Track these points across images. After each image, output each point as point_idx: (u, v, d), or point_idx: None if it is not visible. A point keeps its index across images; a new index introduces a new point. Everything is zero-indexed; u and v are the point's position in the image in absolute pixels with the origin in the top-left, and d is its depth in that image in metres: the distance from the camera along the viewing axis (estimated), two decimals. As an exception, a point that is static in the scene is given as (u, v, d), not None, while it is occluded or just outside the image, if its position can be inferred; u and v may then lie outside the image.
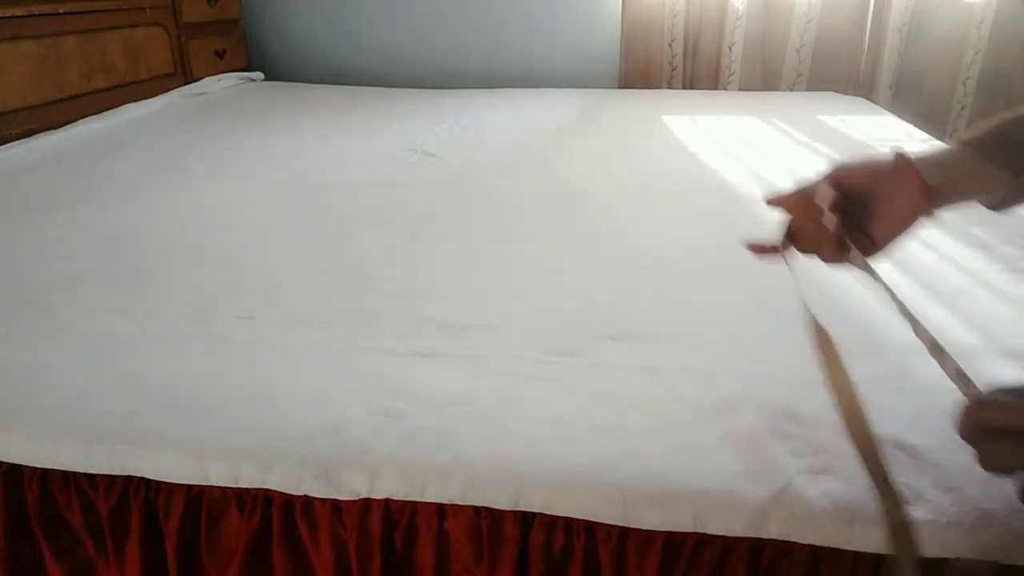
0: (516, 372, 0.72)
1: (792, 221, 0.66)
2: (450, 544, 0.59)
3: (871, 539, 0.53)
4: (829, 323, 0.81)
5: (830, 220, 0.61)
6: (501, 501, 0.57)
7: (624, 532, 0.55)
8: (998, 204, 0.66)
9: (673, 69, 2.31)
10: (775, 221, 0.83)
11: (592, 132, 1.75)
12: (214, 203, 1.24)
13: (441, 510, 0.58)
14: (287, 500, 0.60)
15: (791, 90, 2.27)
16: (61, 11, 1.69)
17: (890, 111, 1.95)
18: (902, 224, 0.63)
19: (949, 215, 1.16)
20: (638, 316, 0.83)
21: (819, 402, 0.67)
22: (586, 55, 2.42)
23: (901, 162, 0.63)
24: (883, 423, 0.59)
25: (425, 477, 0.58)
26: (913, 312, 0.59)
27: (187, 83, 2.17)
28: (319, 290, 0.91)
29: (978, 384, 0.52)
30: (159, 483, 0.62)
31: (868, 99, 2.13)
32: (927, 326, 0.58)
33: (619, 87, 2.38)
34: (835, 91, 2.20)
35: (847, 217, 0.62)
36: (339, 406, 0.67)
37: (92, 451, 0.63)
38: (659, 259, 0.93)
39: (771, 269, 0.95)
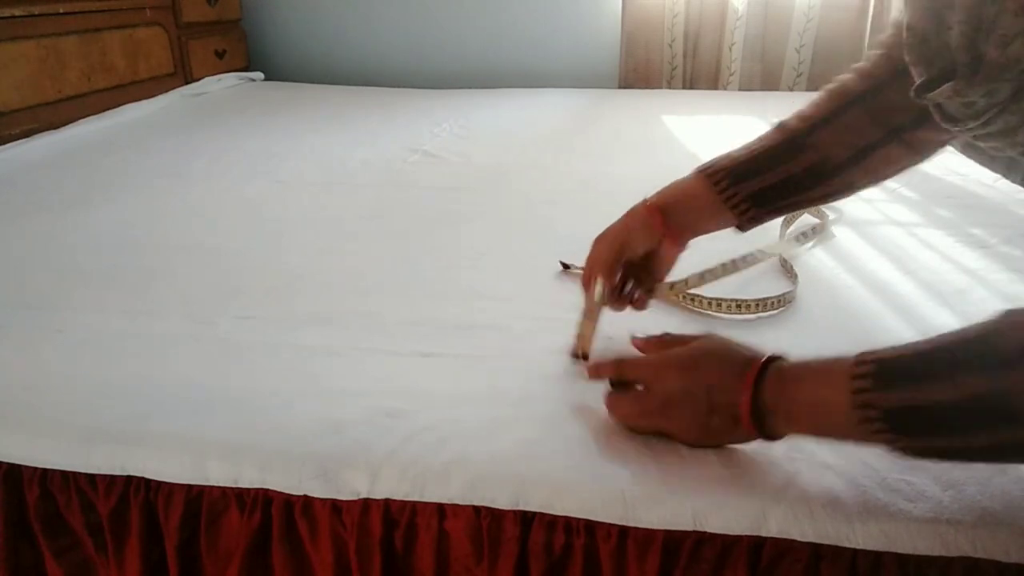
0: (516, 371, 0.72)
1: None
2: (450, 544, 0.59)
3: (871, 535, 0.53)
4: (830, 322, 0.81)
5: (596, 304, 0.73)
6: (501, 500, 0.57)
7: (624, 531, 0.55)
8: (738, 229, 0.74)
9: (673, 69, 2.31)
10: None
11: (592, 132, 1.75)
12: (214, 203, 1.24)
13: (441, 510, 0.58)
14: (287, 500, 0.60)
15: (791, 90, 2.27)
16: (61, 11, 1.70)
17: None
18: (669, 263, 0.76)
19: (950, 215, 1.17)
20: (638, 315, 0.83)
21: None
22: (586, 55, 2.42)
23: (651, 219, 0.73)
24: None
25: (425, 477, 0.58)
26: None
27: (187, 83, 2.17)
28: (319, 290, 0.91)
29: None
30: (159, 483, 0.62)
31: (868, 99, 2.13)
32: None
33: (619, 87, 2.38)
34: (835, 91, 2.19)
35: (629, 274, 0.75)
36: (339, 406, 0.67)
37: (92, 451, 0.63)
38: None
39: (771, 266, 0.95)
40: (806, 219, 1.09)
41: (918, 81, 0.51)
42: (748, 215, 0.71)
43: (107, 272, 0.97)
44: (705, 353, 0.60)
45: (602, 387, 0.69)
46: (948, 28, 0.47)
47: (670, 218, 0.72)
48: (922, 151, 0.69)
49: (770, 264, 0.96)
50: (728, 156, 0.73)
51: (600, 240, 0.75)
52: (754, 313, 0.82)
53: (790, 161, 0.70)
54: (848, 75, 0.72)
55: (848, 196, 0.73)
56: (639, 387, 0.62)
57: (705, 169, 0.73)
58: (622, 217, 0.75)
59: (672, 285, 0.84)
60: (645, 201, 0.74)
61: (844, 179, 0.70)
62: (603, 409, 0.66)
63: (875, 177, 0.71)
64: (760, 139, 0.72)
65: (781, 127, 0.72)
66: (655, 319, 0.80)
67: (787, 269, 0.93)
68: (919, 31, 0.50)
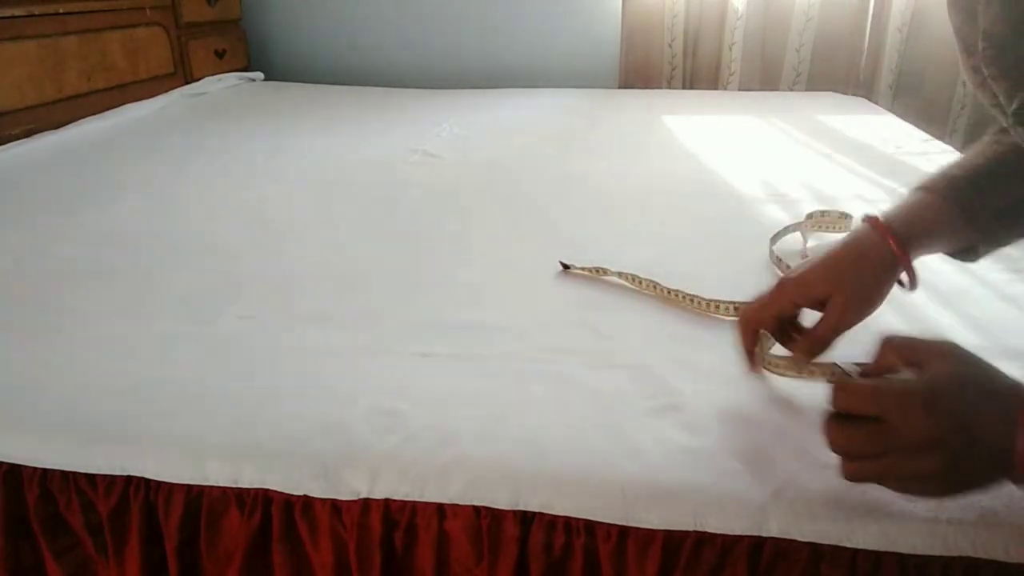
0: (516, 372, 0.72)
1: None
2: (450, 544, 0.59)
3: (871, 535, 0.53)
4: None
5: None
6: (501, 500, 0.57)
7: (624, 531, 0.55)
8: (965, 254, 0.64)
9: (673, 69, 2.31)
10: (773, 220, 0.82)
11: (592, 132, 1.75)
12: (214, 203, 1.24)
13: (441, 510, 0.58)
14: (287, 500, 0.60)
15: (791, 90, 2.27)
16: (61, 11, 1.69)
17: (890, 111, 1.95)
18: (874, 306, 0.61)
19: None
20: (638, 313, 0.84)
21: (820, 399, 0.67)
22: (586, 55, 2.42)
23: (876, 237, 0.59)
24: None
25: (425, 477, 0.59)
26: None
27: (187, 83, 2.17)
28: (319, 290, 0.91)
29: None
30: (159, 483, 0.62)
31: (868, 99, 2.13)
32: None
33: (619, 87, 2.38)
34: (835, 91, 2.20)
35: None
36: (339, 406, 0.67)
37: (92, 451, 0.63)
38: (659, 258, 0.94)
39: (768, 267, 0.95)
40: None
41: (1010, 102, 0.44)
42: (990, 235, 0.61)
43: (107, 272, 0.96)
44: (957, 385, 0.48)
45: (603, 386, 0.69)
46: None
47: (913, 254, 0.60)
48: None
49: (766, 265, 0.96)
50: (955, 168, 0.61)
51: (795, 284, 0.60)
52: None
53: None
54: None
55: None
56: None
57: (934, 187, 0.61)
58: (844, 248, 0.60)
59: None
60: (886, 234, 0.59)
61: None
62: (603, 408, 0.66)
63: None
64: (981, 154, 0.61)
65: (1000, 141, 0.60)
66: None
67: (783, 271, 0.93)
68: (996, 40, 0.44)
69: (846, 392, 0.49)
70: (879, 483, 0.50)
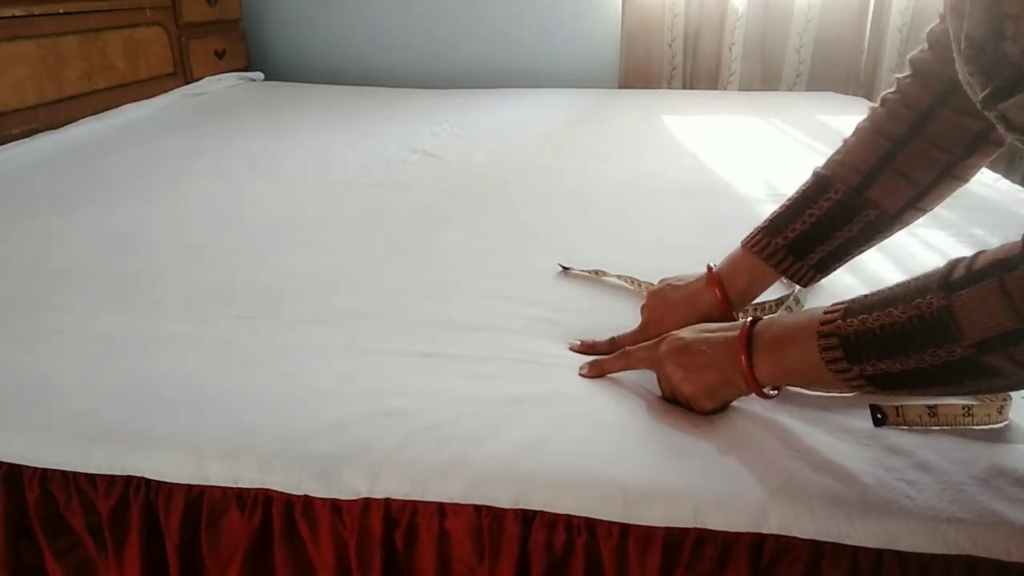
0: (516, 372, 0.72)
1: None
2: (451, 543, 0.59)
3: (872, 533, 0.53)
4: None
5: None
6: (502, 500, 0.57)
7: (625, 529, 0.55)
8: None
9: (673, 69, 2.31)
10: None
11: (592, 132, 1.75)
12: (214, 203, 1.24)
13: (442, 509, 0.58)
14: (287, 500, 0.60)
15: (791, 90, 2.27)
16: (61, 11, 1.69)
17: (890, 111, 1.95)
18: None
19: (950, 215, 1.17)
20: (638, 316, 0.84)
21: (819, 398, 0.67)
22: (586, 55, 2.42)
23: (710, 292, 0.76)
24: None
25: (425, 476, 0.58)
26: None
27: (187, 83, 2.17)
28: (319, 290, 0.91)
29: None
30: (159, 483, 0.62)
31: (868, 99, 2.13)
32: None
33: (619, 87, 2.38)
34: (835, 91, 2.20)
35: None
36: (339, 406, 0.67)
37: (92, 451, 0.63)
38: (659, 259, 0.93)
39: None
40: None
41: (982, 93, 0.49)
42: (811, 280, 0.75)
43: (107, 272, 0.96)
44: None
45: (603, 385, 0.70)
46: (1006, 38, 0.45)
47: (736, 307, 0.76)
48: (968, 177, 0.69)
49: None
50: (780, 230, 0.73)
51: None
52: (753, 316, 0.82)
53: (847, 225, 0.71)
54: (880, 112, 0.71)
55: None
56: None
57: (761, 248, 0.74)
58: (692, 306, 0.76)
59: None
60: (718, 296, 0.75)
61: (899, 225, 0.72)
62: (602, 407, 0.66)
63: (925, 212, 0.72)
64: (807, 201, 0.72)
65: (825, 185, 0.72)
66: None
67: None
68: (977, 41, 0.48)
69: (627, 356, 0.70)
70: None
